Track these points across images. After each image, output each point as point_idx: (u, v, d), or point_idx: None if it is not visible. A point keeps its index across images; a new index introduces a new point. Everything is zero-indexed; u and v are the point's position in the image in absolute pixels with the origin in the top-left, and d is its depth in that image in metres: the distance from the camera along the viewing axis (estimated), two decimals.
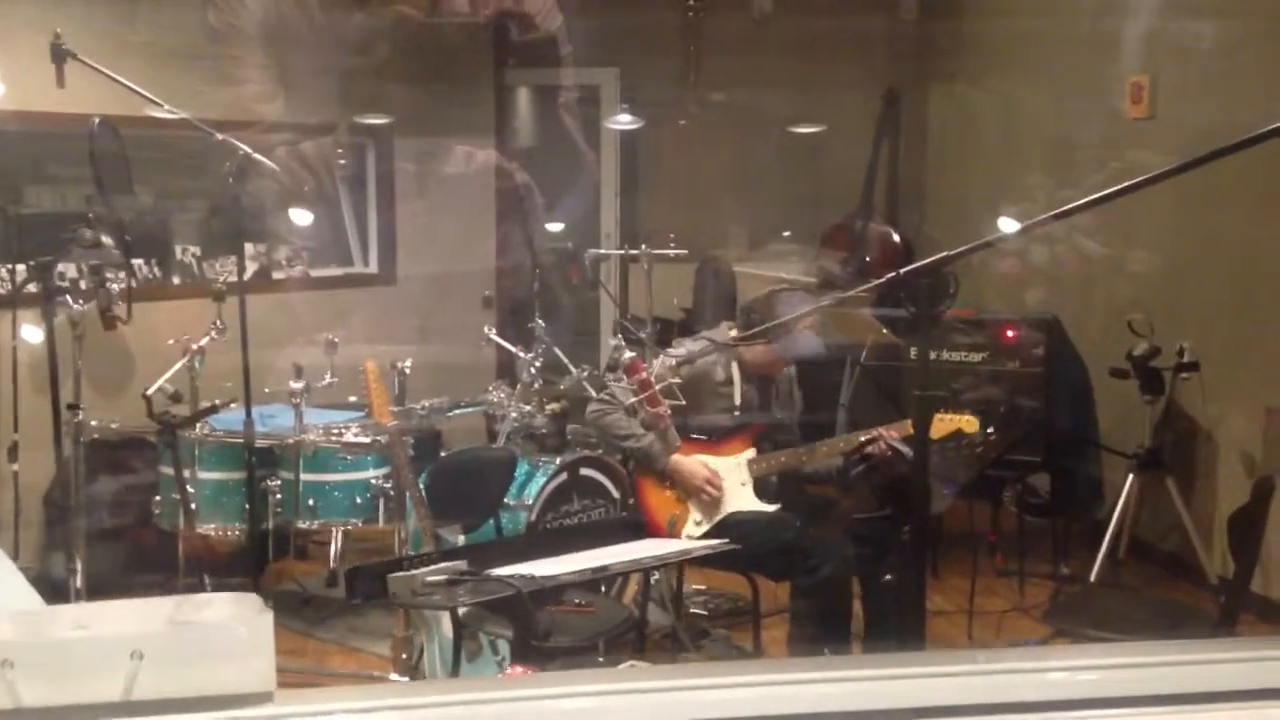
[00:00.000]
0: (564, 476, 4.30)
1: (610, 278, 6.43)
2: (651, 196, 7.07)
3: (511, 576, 2.40)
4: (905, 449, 3.64)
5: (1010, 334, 4.91)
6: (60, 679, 1.16)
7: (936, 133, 7.07)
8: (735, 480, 3.84)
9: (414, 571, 2.35)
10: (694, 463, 3.81)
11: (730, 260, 6.46)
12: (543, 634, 2.31)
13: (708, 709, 1.24)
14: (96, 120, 3.89)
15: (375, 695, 1.26)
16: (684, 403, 3.46)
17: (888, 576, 3.66)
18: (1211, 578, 4.58)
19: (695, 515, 3.82)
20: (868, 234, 6.55)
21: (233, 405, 3.93)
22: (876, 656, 3.74)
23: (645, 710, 1.23)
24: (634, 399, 3.35)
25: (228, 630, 1.21)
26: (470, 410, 4.78)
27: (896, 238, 6.54)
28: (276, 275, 5.87)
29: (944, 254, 2.06)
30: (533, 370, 4.69)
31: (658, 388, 3.30)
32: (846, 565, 3.68)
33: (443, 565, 2.36)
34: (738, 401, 3.97)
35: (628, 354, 3.47)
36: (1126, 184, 1.98)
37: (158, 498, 4.30)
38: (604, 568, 2.66)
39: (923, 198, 7.09)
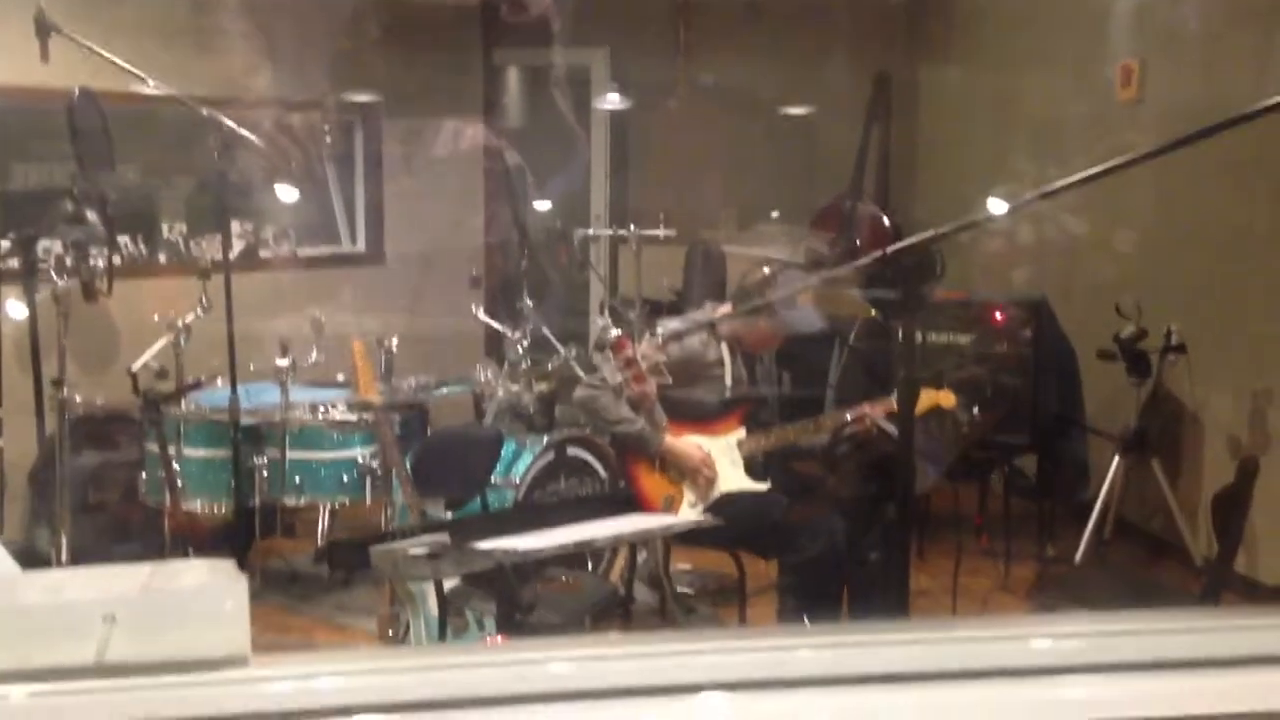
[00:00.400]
0: (551, 456, 4.30)
1: (600, 259, 6.41)
2: (641, 177, 7.04)
3: (493, 550, 2.40)
4: (890, 427, 3.63)
5: (999, 316, 4.91)
6: (32, 642, 1.15)
7: (927, 115, 7.06)
8: (726, 460, 3.83)
9: (395, 544, 2.35)
10: (688, 445, 3.80)
11: (720, 241, 6.44)
12: (526, 607, 2.31)
13: (690, 673, 1.24)
14: (76, 90, 3.85)
15: (348, 660, 1.26)
16: (670, 381, 3.45)
17: (873, 554, 3.66)
18: (1196, 558, 4.59)
19: (690, 496, 3.81)
20: (857, 216, 6.53)
21: (218, 381, 3.92)
22: (859, 624, 3.74)
23: (624, 676, 1.22)
24: (620, 378, 3.33)
25: (202, 595, 1.20)
26: (457, 389, 4.77)
27: (886, 220, 6.52)
28: (263, 254, 5.84)
29: (930, 232, 2.05)
30: (521, 350, 4.68)
31: (644, 366, 3.29)
32: (836, 543, 3.68)
33: (425, 538, 2.36)
34: (729, 382, 3.96)
35: (614, 332, 3.46)
36: (1112, 163, 1.96)
37: (143, 474, 4.29)
38: (587, 541, 2.66)
39: (914, 180, 7.07)
